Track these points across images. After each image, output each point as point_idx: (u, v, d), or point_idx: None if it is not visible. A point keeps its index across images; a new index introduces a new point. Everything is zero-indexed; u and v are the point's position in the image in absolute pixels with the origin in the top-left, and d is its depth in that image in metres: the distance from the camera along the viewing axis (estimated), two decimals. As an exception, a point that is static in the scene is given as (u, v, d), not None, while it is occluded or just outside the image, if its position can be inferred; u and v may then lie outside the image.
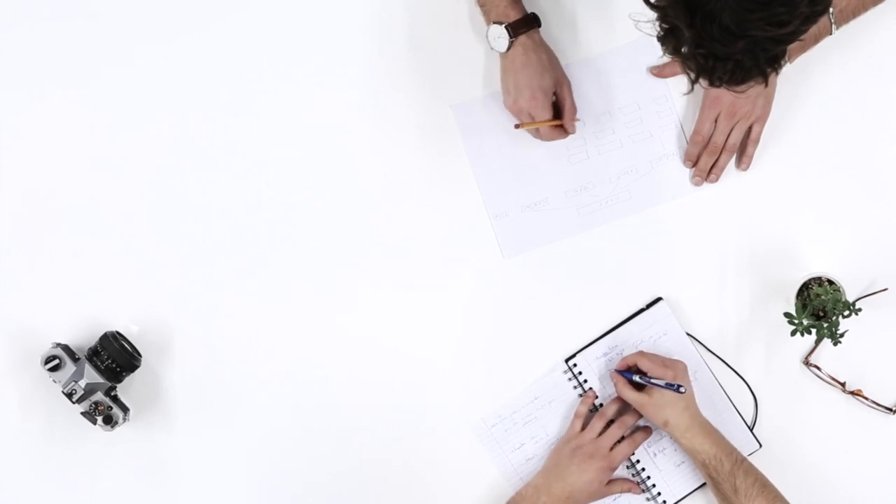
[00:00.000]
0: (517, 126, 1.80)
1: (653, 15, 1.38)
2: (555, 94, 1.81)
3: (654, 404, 1.78)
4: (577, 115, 1.84)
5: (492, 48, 1.79)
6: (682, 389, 1.75)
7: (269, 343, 1.87)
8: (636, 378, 1.80)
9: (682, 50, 1.37)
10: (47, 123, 1.88)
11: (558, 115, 1.83)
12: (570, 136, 1.86)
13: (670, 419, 1.78)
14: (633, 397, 1.80)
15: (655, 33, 1.39)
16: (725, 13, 1.30)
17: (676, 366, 1.79)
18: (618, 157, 1.89)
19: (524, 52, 1.78)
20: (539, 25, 1.80)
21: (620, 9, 1.87)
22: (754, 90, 1.80)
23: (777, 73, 1.39)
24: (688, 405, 1.78)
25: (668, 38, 1.37)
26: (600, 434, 1.82)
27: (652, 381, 1.77)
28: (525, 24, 1.77)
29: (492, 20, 1.78)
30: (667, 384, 1.75)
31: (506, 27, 1.77)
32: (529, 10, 1.79)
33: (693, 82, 1.41)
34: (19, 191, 1.88)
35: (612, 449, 1.81)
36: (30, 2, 1.88)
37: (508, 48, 1.78)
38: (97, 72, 1.88)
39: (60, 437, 1.86)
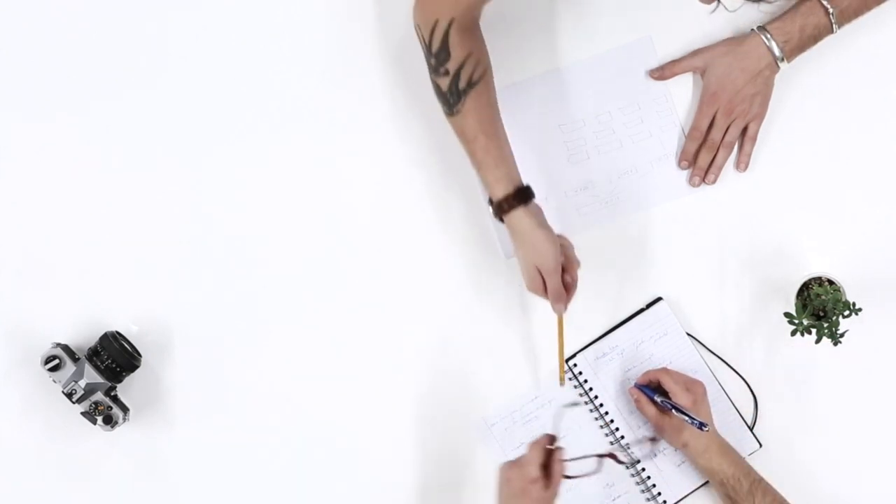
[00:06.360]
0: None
1: None
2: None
3: (675, 427, 1.78)
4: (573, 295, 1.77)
5: None
6: (705, 428, 1.75)
7: (268, 343, 1.87)
8: (658, 399, 1.79)
9: None
10: (47, 124, 1.88)
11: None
12: (570, 136, 1.87)
13: (689, 442, 1.78)
14: (654, 416, 1.80)
15: None
16: None
17: (697, 388, 1.79)
18: (618, 157, 1.89)
19: (514, 235, 1.71)
20: (529, 198, 1.70)
21: (622, 8, 1.87)
22: (751, 88, 1.81)
23: None
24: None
25: None
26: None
27: (678, 411, 1.76)
28: (512, 203, 1.69)
29: (486, 193, 1.73)
30: (693, 421, 1.75)
31: (492, 208, 1.72)
32: (522, 177, 1.70)
33: None
34: (20, 191, 1.88)
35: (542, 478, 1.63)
36: (31, 5, 1.89)
37: (503, 222, 1.72)
38: (98, 74, 1.88)
39: (60, 437, 1.86)
